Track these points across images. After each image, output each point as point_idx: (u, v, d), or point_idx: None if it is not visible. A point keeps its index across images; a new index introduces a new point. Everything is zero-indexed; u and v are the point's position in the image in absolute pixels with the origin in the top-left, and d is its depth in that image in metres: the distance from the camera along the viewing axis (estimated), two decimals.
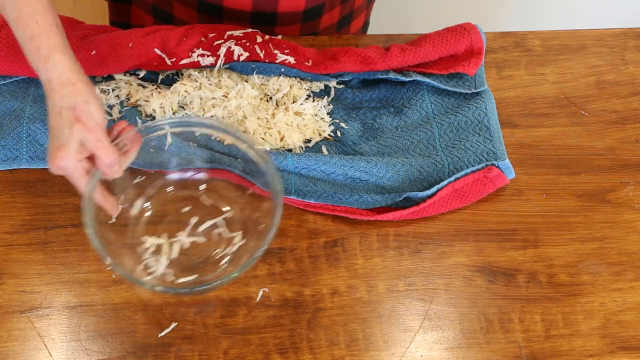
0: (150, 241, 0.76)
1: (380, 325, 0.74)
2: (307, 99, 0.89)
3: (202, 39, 0.88)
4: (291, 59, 0.88)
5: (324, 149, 0.86)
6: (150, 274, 0.73)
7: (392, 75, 0.89)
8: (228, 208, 0.78)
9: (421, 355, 0.73)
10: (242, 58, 0.87)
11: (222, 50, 0.87)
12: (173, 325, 0.73)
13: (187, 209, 0.79)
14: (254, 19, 0.96)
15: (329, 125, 0.88)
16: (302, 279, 0.77)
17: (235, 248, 0.76)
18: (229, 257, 0.75)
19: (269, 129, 0.85)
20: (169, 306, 0.74)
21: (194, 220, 0.78)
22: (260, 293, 0.75)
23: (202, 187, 0.80)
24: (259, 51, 0.88)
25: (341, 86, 0.92)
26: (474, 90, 0.89)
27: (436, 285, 0.77)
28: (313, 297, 0.76)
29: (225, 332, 0.73)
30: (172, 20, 1.01)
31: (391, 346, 0.73)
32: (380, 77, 0.90)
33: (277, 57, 0.88)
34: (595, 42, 0.99)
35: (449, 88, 0.89)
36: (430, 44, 0.90)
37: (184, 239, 0.77)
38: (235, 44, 0.88)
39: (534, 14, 1.83)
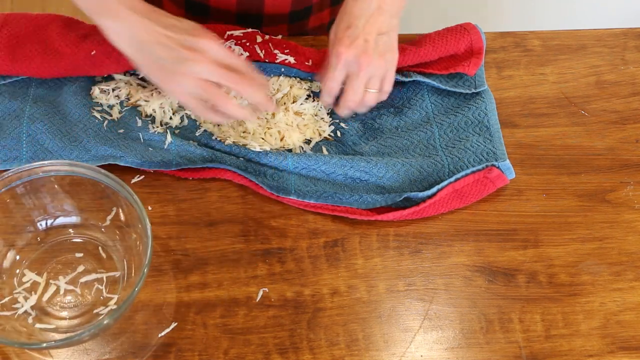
0: (30, 276, 0.74)
1: (380, 325, 0.74)
2: (307, 99, 0.89)
3: None
4: (291, 59, 0.88)
5: (323, 149, 0.86)
6: (13, 309, 0.72)
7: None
8: (118, 273, 0.75)
9: (421, 355, 0.73)
10: (242, 58, 0.87)
11: None
12: (173, 325, 0.73)
13: (79, 255, 0.76)
14: (240, 19, 0.97)
15: (329, 125, 0.88)
16: (302, 279, 0.77)
17: (107, 310, 0.72)
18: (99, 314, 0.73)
19: (269, 129, 0.85)
20: (170, 306, 0.74)
21: (80, 268, 0.75)
22: (260, 293, 0.75)
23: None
24: (259, 51, 0.88)
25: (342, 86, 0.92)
26: (474, 90, 0.89)
27: (436, 285, 0.77)
28: (313, 297, 0.76)
29: (225, 332, 0.73)
30: None
31: (391, 346, 0.73)
32: None
33: (277, 57, 0.88)
34: (595, 42, 0.99)
35: (449, 88, 0.89)
36: (430, 43, 0.90)
37: (61, 284, 0.74)
38: (235, 44, 0.88)
39: (534, 14, 1.83)
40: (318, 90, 0.91)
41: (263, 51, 0.88)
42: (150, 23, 0.74)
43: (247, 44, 0.88)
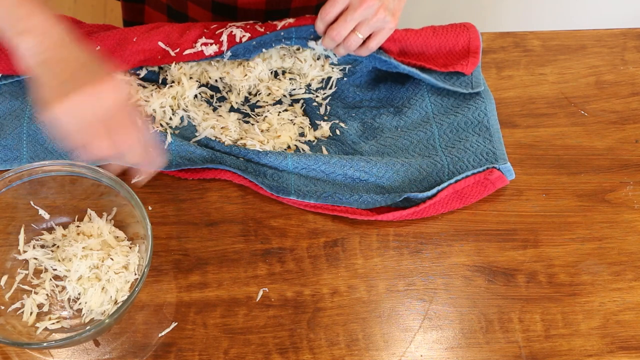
0: (31, 275, 0.74)
1: (380, 325, 0.74)
2: (274, 105, 0.89)
3: (205, 30, 0.88)
4: (291, 20, 0.88)
5: (323, 148, 0.86)
6: (14, 309, 0.72)
7: (394, 62, 0.88)
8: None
9: (421, 355, 0.73)
10: (244, 39, 0.87)
11: (224, 36, 0.87)
12: (173, 325, 0.73)
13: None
14: (268, 18, 0.97)
15: (328, 124, 0.88)
16: (302, 279, 0.77)
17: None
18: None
19: (266, 130, 0.86)
20: (170, 306, 0.74)
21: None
22: (261, 293, 0.75)
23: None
24: (259, 29, 0.88)
25: (344, 79, 0.91)
26: (470, 90, 0.89)
27: (436, 285, 0.77)
28: (313, 297, 0.76)
29: (226, 332, 0.73)
30: (186, 20, 1.01)
31: (391, 346, 0.73)
32: (385, 68, 0.90)
33: (277, 27, 0.88)
34: (595, 42, 0.99)
35: (447, 86, 0.89)
36: (431, 30, 0.91)
37: (62, 284, 0.74)
38: (237, 28, 0.88)
39: (533, 14, 1.83)
40: (318, 85, 0.91)
41: (263, 27, 0.88)
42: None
43: (248, 27, 0.88)
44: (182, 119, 0.86)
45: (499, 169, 0.82)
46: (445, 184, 0.81)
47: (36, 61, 0.66)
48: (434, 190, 0.81)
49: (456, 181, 0.81)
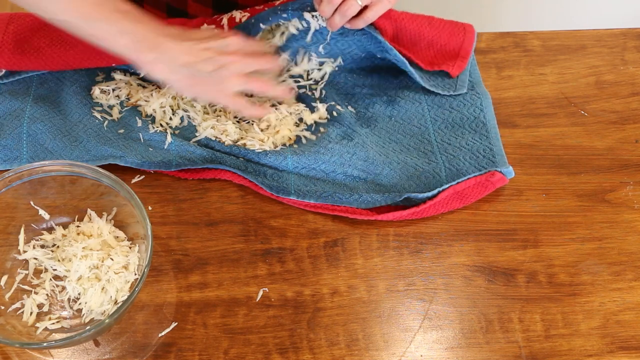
0: (31, 275, 0.74)
1: (380, 325, 0.74)
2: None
3: (206, 20, 0.89)
4: None
5: (321, 128, 0.86)
6: (14, 309, 0.72)
7: (387, 44, 0.87)
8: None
9: (421, 355, 0.73)
10: (244, 19, 0.87)
11: (225, 20, 0.87)
12: (173, 325, 0.73)
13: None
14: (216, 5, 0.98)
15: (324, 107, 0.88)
16: (302, 279, 0.77)
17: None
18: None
19: (266, 129, 0.86)
20: (170, 306, 0.74)
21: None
22: (260, 293, 0.75)
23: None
24: (258, 8, 0.89)
25: (335, 69, 0.91)
26: (452, 93, 0.89)
27: (436, 285, 0.77)
28: (313, 297, 0.76)
29: (226, 332, 0.73)
30: (186, 17, 1.01)
31: (391, 346, 0.73)
32: (376, 50, 0.89)
33: (275, 3, 0.88)
34: (595, 42, 0.99)
35: (427, 86, 0.89)
36: (427, 19, 0.91)
37: (62, 284, 0.74)
38: (237, 12, 0.89)
39: (533, 14, 1.83)
40: (316, 77, 0.91)
41: (262, 5, 0.89)
42: (186, 44, 0.78)
43: (248, 9, 0.89)
44: (182, 119, 0.86)
45: (500, 172, 0.82)
46: (446, 185, 0.81)
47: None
48: (435, 191, 0.81)
49: (457, 183, 0.81)
